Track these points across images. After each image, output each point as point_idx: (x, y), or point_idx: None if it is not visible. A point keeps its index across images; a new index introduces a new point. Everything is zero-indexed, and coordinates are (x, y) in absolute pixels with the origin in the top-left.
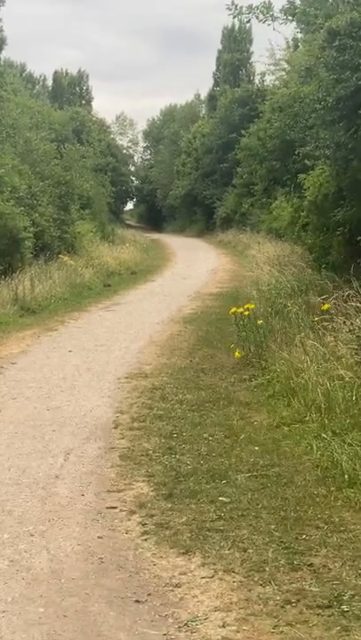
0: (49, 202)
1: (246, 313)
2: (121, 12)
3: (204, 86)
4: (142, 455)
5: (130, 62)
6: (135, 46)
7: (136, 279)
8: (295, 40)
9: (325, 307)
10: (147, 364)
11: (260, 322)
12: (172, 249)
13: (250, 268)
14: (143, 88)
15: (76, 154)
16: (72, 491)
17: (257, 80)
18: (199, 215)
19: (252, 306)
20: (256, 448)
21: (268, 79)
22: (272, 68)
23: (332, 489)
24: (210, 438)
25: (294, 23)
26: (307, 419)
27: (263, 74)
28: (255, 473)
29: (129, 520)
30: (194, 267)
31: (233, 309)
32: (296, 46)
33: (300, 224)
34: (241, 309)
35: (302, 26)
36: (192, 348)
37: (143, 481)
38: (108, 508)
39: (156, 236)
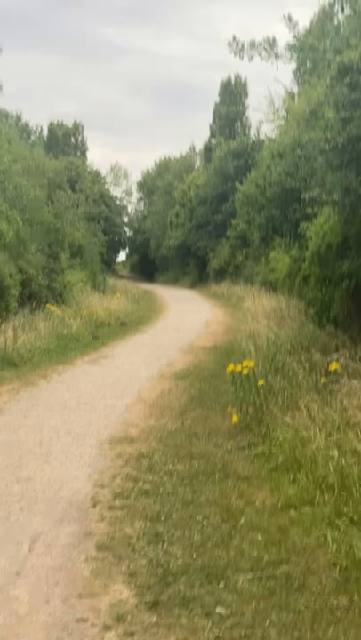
0: (37, 249)
1: (245, 372)
2: (121, 67)
3: (200, 139)
4: (124, 544)
5: (127, 116)
6: (133, 100)
7: (126, 330)
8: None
9: (334, 366)
10: (133, 426)
11: (261, 382)
12: (165, 300)
13: (245, 322)
14: (140, 141)
15: (67, 200)
16: (34, 594)
17: (252, 133)
18: (192, 266)
19: (252, 364)
20: (259, 537)
21: (266, 128)
22: (271, 116)
23: (355, 598)
24: (204, 522)
25: (295, 64)
26: (317, 500)
27: (261, 122)
28: (260, 573)
29: (102, 639)
30: (186, 318)
31: (230, 367)
32: (294, 98)
33: (300, 276)
34: (239, 367)
35: (307, 65)
36: (184, 408)
37: (123, 582)
38: (77, 620)
39: (148, 286)
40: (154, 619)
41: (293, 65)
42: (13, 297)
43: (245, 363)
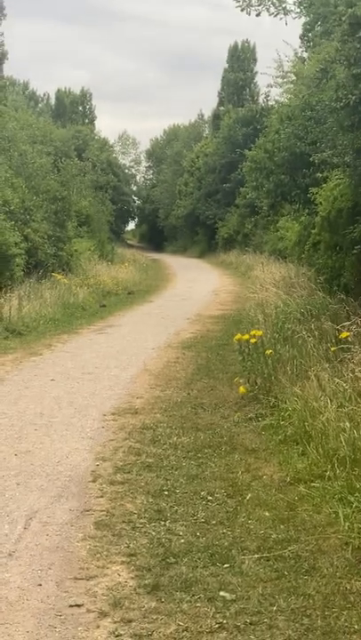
0: (43, 217)
1: (253, 341)
2: (130, 35)
3: (209, 107)
4: (124, 522)
5: (136, 84)
6: (142, 68)
7: (133, 299)
8: (301, 59)
9: (344, 335)
10: (138, 397)
11: (269, 352)
12: (173, 269)
13: (253, 290)
14: (149, 110)
15: (73, 168)
16: (27, 577)
17: (261, 99)
18: (201, 236)
19: (260, 332)
20: (267, 514)
21: (275, 92)
22: (280, 80)
23: None
24: (209, 498)
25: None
26: (328, 474)
27: (269, 86)
28: (267, 553)
29: (97, 627)
30: (195, 287)
31: (237, 336)
32: (303, 61)
33: (310, 243)
34: (246, 336)
35: (316, 27)
36: (190, 379)
37: (122, 562)
38: (71, 606)
39: (156, 255)
40: (153, 604)
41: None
42: (19, 266)
43: (253, 332)
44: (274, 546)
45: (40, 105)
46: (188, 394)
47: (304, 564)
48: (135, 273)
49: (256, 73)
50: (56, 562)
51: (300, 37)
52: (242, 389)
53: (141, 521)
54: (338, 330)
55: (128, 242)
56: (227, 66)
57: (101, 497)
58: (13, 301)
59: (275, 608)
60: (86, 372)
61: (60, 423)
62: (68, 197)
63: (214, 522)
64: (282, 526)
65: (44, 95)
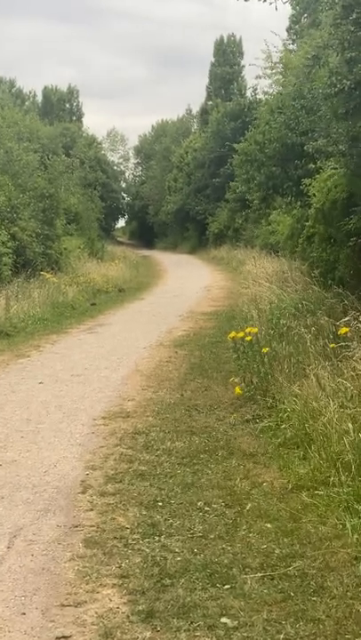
0: (31, 215)
1: (248, 338)
2: (116, 32)
3: (197, 102)
4: (115, 538)
5: (124, 81)
6: (130, 65)
7: (124, 297)
8: (289, 51)
9: (343, 331)
10: (129, 400)
11: (265, 350)
12: (164, 265)
13: (246, 285)
14: (137, 107)
15: (60, 165)
16: (9, 605)
17: (249, 93)
18: (191, 231)
19: (255, 330)
20: (268, 526)
21: (264, 83)
22: (268, 71)
23: None
24: (206, 508)
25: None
26: (332, 480)
27: (258, 77)
28: (270, 572)
29: None
30: (186, 284)
31: (232, 334)
32: (291, 52)
33: (304, 235)
34: (241, 334)
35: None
36: (183, 379)
37: (113, 585)
38: (58, 638)
39: (147, 252)
40: (148, 634)
41: (288, 20)
42: (6, 265)
43: (248, 329)
44: (278, 563)
45: (27, 103)
46: (182, 395)
47: (311, 582)
48: (126, 270)
49: (243, 67)
50: (41, 586)
51: (287, 30)
52: (237, 390)
53: (134, 537)
54: (335, 325)
55: (118, 239)
56: (213, 60)
57: (91, 510)
58: (1, 302)
59: (282, 636)
60: (75, 374)
61: (47, 429)
62: (55, 195)
63: (213, 536)
64: (285, 540)
65: (31, 93)
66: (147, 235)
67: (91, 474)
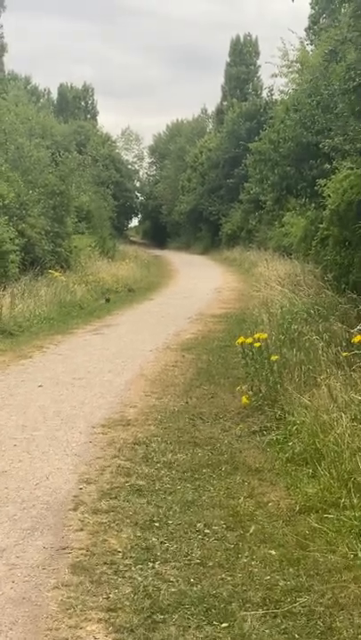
0: (41, 213)
1: (257, 345)
2: (133, 30)
3: (213, 102)
4: (105, 564)
5: (141, 80)
6: (147, 64)
7: (133, 297)
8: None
9: (358, 339)
10: (131, 406)
11: (275, 357)
12: (175, 266)
13: (257, 288)
14: (153, 105)
15: (72, 162)
16: None
17: (265, 93)
18: (204, 232)
19: (264, 336)
20: (273, 552)
21: (280, 82)
22: (285, 69)
23: None
24: (206, 531)
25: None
26: (343, 502)
27: (274, 76)
28: (273, 608)
29: None
30: (197, 285)
31: (240, 339)
32: (309, 51)
33: (318, 238)
34: (250, 339)
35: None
36: (189, 384)
37: (99, 620)
38: None
39: (159, 252)
40: None
41: (308, 20)
42: (14, 263)
43: (257, 334)
44: (282, 598)
45: (42, 100)
46: (187, 402)
47: (318, 622)
48: (136, 270)
49: (259, 67)
50: (20, 619)
51: (306, 30)
52: (244, 400)
53: (126, 562)
54: (349, 332)
55: (131, 238)
56: (229, 60)
57: (81, 530)
58: (5, 300)
59: None
60: (77, 378)
61: (43, 437)
62: (66, 192)
63: (212, 563)
64: (291, 570)
65: (46, 90)
66: (160, 234)
67: (84, 488)
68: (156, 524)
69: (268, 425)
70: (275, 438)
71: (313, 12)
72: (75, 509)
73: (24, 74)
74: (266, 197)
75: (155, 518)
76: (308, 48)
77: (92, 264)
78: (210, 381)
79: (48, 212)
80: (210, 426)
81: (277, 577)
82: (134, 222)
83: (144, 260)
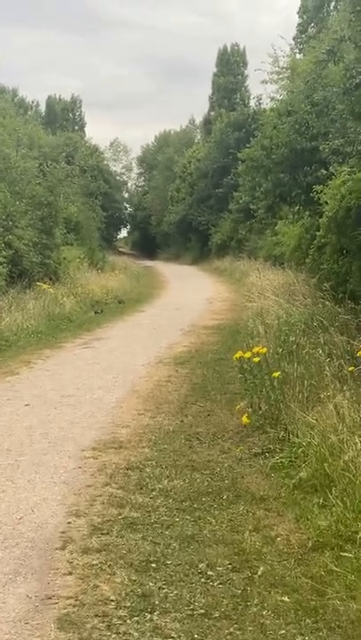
0: (28, 224)
1: (256, 360)
2: (120, 42)
3: (200, 113)
4: (96, 616)
5: (127, 91)
6: (133, 76)
7: (123, 309)
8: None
9: None
10: (123, 426)
11: (276, 374)
12: (165, 276)
13: (250, 298)
14: (140, 117)
15: (60, 173)
16: None
17: (253, 103)
18: (194, 242)
19: (264, 350)
20: (286, 599)
21: (270, 89)
22: (275, 76)
23: None
24: (209, 573)
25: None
26: (360, 536)
27: (264, 82)
28: None
29: None
30: (188, 295)
31: (238, 354)
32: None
33: (315, 246)
34: (248, 354)
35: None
36: (184, 401)
37: None
38: None
39: (149, 263)
40: None
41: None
42: (0, 275)
43: (256, 348)
44: None
45: (29, 112)
46: (182, 421)
47: None
48: (126, 281)
49: (247, 76)
50: None
51: (294, 39)
52: (245, 419)
53: (120, 613)
54: (351, 344)
55: (120, 249)
56: (216, 70)
57: (70, 574)
58: None
59: None
60: (66, 395)
61: (28, 463)
62: (54, 203)
63: (217, 614)
64: (308, 621)
65: (34, 102)
66: (149, 245)
67: (73, 522)
68: (154, 565)
69: (271, 446)
70: (279, 462)
71: (301, 20)
72: (62, 548)
73: (11, 86)
74: (257, 206)
75: (151, 558)
76: (298, 57)
77: (81, 276)
78: (205, 397)
79: (36, 224)
80: (208, 447)
81: (293, 630)
82: (123, 233)
83: (134, 271)
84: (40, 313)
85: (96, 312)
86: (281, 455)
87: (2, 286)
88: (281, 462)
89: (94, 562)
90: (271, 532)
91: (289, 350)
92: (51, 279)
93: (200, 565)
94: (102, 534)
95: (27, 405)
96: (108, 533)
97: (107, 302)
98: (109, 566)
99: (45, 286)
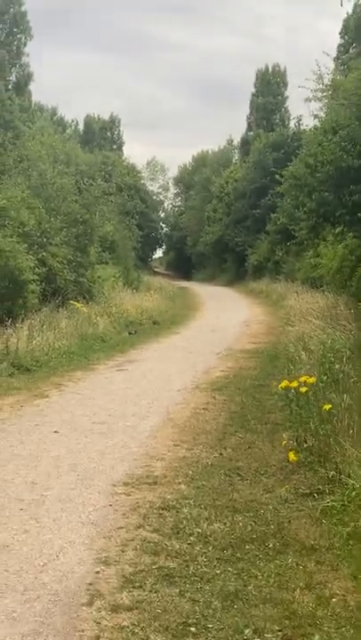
0: (63, 241)
1: (303, 390)
2: (160, 63)
3: (238, 134)
4: None
5: (166, 112)
6: (173, 96)
7: (158, 331)
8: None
9: None
10: (158, 459)
11: (328, 407)
12: (201, 297)
13: (289, 321)
14: (178, 138)
15: (97, 190)
16: None
17: (292, 124)
18: (230, 263)
19: (312, 380)
20: None
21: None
22: (319, 94)
23: None
24: None
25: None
26: None
27: (308, 100)
28: None
29: None
30: (224, 317)
31: (284, 383)
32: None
33: (360, 269)
34: (295, 383)
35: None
36: (222, 432)
37: None
38: None
39: (184, 284)
40: None
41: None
42: (33, 293)
43: (303, 377)
44: None
45: (68, 131)
46: (221, 454)
47: None
48: (161, 301)
49: (287, 97)
50: None
51: (334, 60)
52: (292, 456)
53: None
54: None
55: (155, 269)
56: (254, 90)
57: (97, 638)
58: (23, 332)
59: None
60: (97, 422)
61: (55, 499)
62: (90, 221)
63: None
64: None
65: (73, 121)
66: (184, 266)
67: (102, 572)
68: (193, 629)
69: (320, 487)
70: (330, 505)
71: (343, 41)
72: (90, 604)
73: (50, 105)
74: (299, 226)
75: (191, 619)
76: (339, 77)
77: (115, 295)
78: (245, 428)
79: (71, 241)
80: (250, 485)
81: None
82: (158, 253)
83: (169, 292)
84: (72, 332)
85: (130, 333)
86: (332, 498)
87: (34, 304)
88: (332, 506)
89: (125, 623)
90: (325, 591)
91: (334, 379)
92: (84, 298)
93: (246, 631)
94: (134, 588)
95: (55, 432)
96: (140, 587)
97: (141, 323)
98: (142, 629)
99: (79, 305)
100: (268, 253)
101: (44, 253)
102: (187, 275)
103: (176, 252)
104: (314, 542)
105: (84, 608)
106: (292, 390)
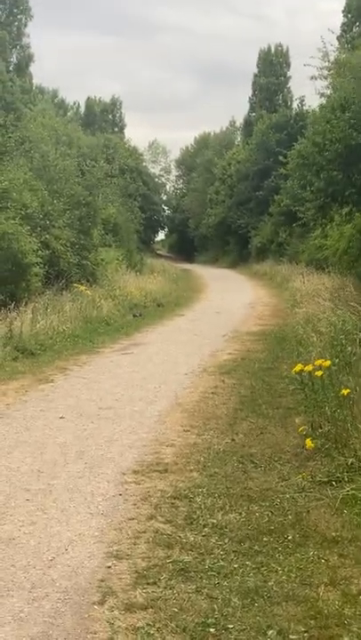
0: (66, 224)
1: (318, 374)
2: (161, 45)
3: (240, 115)
4: None
5: (168, 94)
6: (174, 78)
7: (163, 313)
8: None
9: None
10: (168, 445)
11: (346, 391)
12: (204, 280)
13: (294, 303)
14: (180, 120)
15: (99, 172)
16: None
17: (295, 104)
18: (232, 245)
19: (327, 363)
20: None
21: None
22: (325, 72)
23: None
24: None
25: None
26: None
27: (313, 78)
28: None
29: None
30: (228, 299)
31: (298, 367)
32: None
33: None
34: (309, 366)
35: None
36: (233, 416)
37: None
38: None
39: (187, 266)
40: None
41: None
42: (36, 276)
43: (318, 361)
44: None
45: (69, 113)
46: (233, 440)
47: None
48: (165, 284)
49: (290, 78)
50: None
51: (338, 38)
52: (309, 443)
53: None
54: None
55: (158, 252)
56: (257, 70)
57: None
58: (27, 316)
59: None
60: (104, 407)
61: (62, 488)
62: (93, 203)
63: None
64: None
65: (74, 104)
66: (187, 248)
67: (114, 567)
68: (212, 630)
69: (339, 475)
70: (351, 494)
71: (346, 20)
72: (101, 603)
73: (51, 88)
74: (306, 207)
75: (209, 618)
76: (344, 55)
77: (119, 278)
78: (256, 412)
79: (74, 224)
80: (264, 472)
81: None
82: (161, 236)
83: (172, 274)
84: (77, 316)
85: (135, 315)
86: (353, 486)
87: (38, 287)
88: (353, 495)
89: (139, 623)
90: (351, 588)
91: (347, 362)
92: (88, 281)
93: (269, 633)
94: (148, 584)
95: (61, 418)
96: (155, 583)
97: (145, 305)
98: (158, 630)
99: (82, 288)
100: (272, 235)
101: (46, 236)
102: (189, 257)
103: (178, 235)
104: (335, 534)
105: (95, 607)
106: (306, 374)
